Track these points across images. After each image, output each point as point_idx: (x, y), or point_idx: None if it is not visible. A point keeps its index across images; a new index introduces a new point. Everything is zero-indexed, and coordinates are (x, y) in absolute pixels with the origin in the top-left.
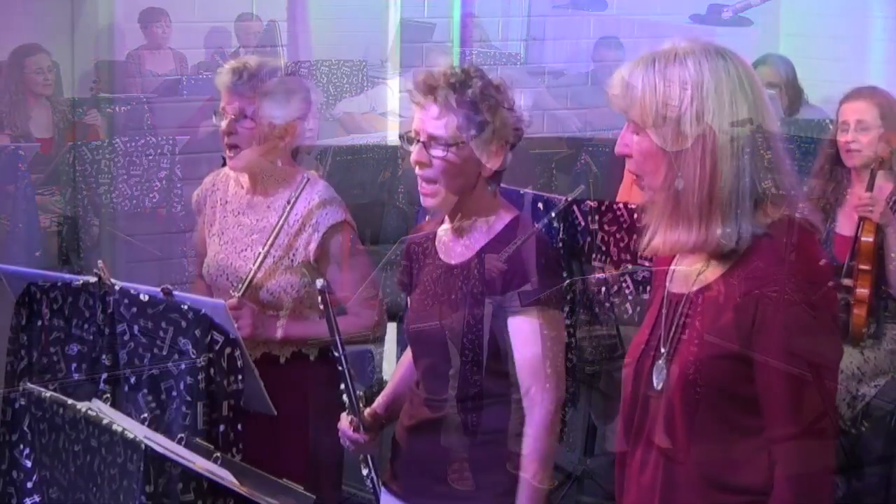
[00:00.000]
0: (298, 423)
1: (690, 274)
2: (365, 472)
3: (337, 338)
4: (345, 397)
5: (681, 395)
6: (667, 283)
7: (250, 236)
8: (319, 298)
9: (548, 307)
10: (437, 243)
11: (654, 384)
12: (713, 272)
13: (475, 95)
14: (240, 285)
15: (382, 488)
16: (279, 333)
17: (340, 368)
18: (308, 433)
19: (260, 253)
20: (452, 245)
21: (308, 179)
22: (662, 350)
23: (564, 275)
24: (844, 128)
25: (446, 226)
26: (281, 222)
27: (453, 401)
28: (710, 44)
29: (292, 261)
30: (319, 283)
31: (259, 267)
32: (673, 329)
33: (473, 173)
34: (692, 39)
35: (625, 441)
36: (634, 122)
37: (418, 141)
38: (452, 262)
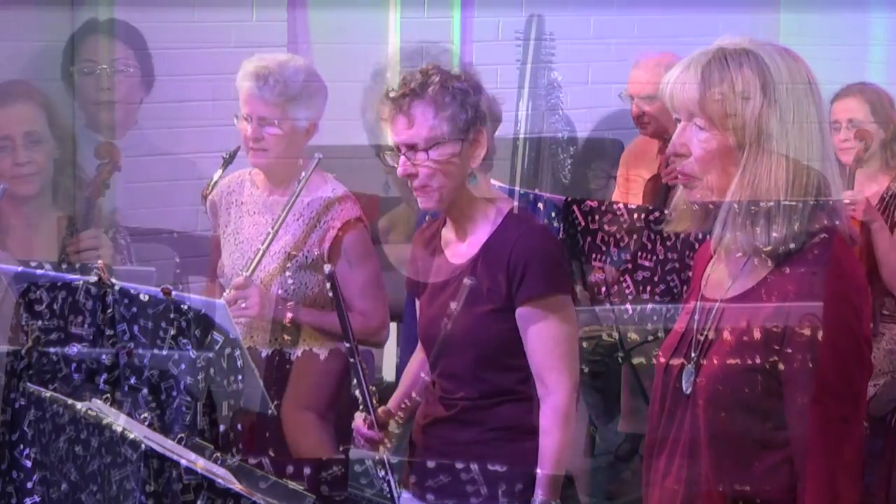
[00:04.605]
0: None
1: (724, 280)
2: (381, 473)
3: (348, 327)
4: (357, 393)
5: (707, 403)
6: (701, 287)
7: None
8: (328, 285)
9: (555, 293)
10: (442, 243)
11: (683, 388)
12: (749, 279)
13: (435, 93)
14: (248, 264)
15: (402, 490)
16: (288, 315)
17: (352, 360)
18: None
19: (269, 233)
20: (456, 243)
21: (319, 159)
22: (693, 355)
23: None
24: (836, 126)
25: (449, 224)
26: (293, 200)
27: (468, 398)
28: (770, 41)
29: (306, 258)
30: (327, 268)
31: (268, 246)
32: (704, 335)
33: (463, 166)
34: (748, 37)
35: (650, 444)
36: (707, 118)
37: (400, 154)
38: (458, 261)
